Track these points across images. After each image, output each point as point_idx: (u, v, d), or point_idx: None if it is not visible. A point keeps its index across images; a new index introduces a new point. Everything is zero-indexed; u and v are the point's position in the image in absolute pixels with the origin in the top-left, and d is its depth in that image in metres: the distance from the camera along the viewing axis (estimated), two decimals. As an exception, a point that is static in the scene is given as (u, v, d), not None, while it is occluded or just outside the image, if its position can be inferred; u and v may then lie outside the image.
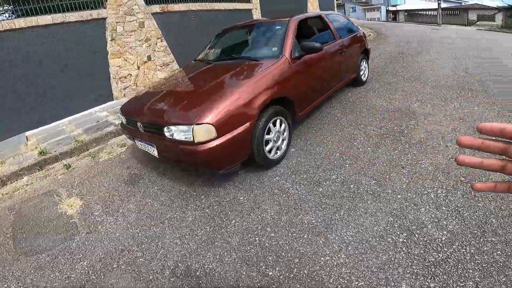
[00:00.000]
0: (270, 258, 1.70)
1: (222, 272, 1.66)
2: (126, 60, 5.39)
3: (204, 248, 1.85)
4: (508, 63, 5.43)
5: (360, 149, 2.67)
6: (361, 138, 2.88)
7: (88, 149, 3.74)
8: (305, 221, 1.92)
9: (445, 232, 1.66)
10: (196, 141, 2.04)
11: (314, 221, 1.91)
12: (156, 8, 6.01)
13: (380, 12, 32.17)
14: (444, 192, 2.00)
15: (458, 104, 3.44)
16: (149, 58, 5.75)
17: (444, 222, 1.74)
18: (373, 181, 2.21)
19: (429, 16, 26.70)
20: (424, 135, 2.77)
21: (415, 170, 2.27)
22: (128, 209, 2.40)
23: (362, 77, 4.56)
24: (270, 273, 1.60)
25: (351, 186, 2.20)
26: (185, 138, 2.08)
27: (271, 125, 2.48)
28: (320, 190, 2.22)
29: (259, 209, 2.11)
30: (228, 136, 2.13)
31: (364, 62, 4.61)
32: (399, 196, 2.02)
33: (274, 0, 9.26)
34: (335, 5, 13.97)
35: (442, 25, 22.79)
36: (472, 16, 25.10)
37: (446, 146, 2.54)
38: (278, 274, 1.58)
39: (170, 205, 2.36)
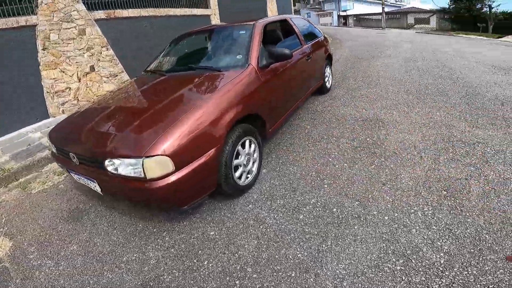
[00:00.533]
0: None
1: None
2: (64, 72, 4.68)
3: None
4: (452, 66, 5.84)
5: (337, 166, 2.50)
6: (336, 153, 2.71)
7: (17, 179, 3.11)
8: (290, 256, 1.67)
9: (442, 254, 1.53)
10: (148, 178, 1.64)
11: (300, 255, 1.67)
12: (101, 14, 5.40)
13: (332, 17, 34.12)
14: (430, 209, 1.89)
15: (420, 109, 3.51)
16: (92, 68, 5.09)
17: (439, 243, 1.61)
18: (356, 203, 2.04)
19: (374, 20, 28.90)
20: (397, 145, 2.71)
21: (397, 186, 2.16)
22: (72, 251, 1.98)
23: (327, 84, 4.48)
24: None
25: (334, 210, 2.00)
26: (134, 173, 1.66)
27: (239, 147, 2.14)
28: (300, 217, 1.98)
29: (235, 246, 1.80)
30: (189, 167, 1.73)
31: (328, 68, 4.54)
32: (386, 218, 1.86)
33: (233, 5, 9.03)
34: (292, 11, 14.24)
35: (386, 28, 24.64)
36: (410, 19, 27.51)
37: (421, 157, 2.48)
38: None
39: (126, 245, 1.96)
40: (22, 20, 4.28)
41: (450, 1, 23.10)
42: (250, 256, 1.71)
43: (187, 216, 2.14)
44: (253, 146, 2.34)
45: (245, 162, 2.23)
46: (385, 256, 1.57)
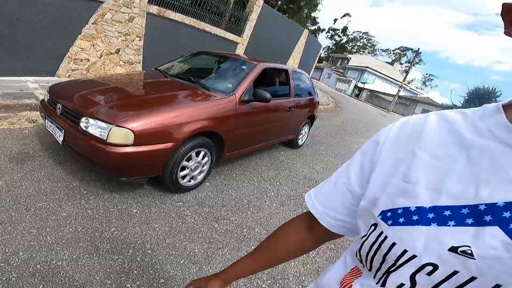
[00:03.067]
0: (135, 272, 1.75)
1: (71, 272, 1.61)
2: (94, 46, 5.23)
3: (62, 246, 1.77)
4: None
5: (267, 203, 2.88)
6: (272, 194, 3.09)
7: (-9, 113, 3.36)
8: (188, 249, 2.02)
9: None
10: (108, 142, 2.06)
11: (196, 250, 2.02)
12: (154, 9, 5.96)
13: (349, 85, 34.50)
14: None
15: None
16: (117, 51, 5.65)
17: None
18: (264, 231, 2.41)
19: (384, 101, 29.34)
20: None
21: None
22: (-5, 186, 2.12)
23: (299, 141, 4.80)
24: (128, 285, 1.64)
25: (244, 230, 2.37)
26: (100, 135, 2.08)
27: (193, 153, 2.57)
28: (215, 226, 2.34)
29: (147, 226, 2.15)
30: (144, 148, 2.16)
31: (307, 128, 4.89)
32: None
33: (262, 41, 9.56)
34: (314, 66, 15.34)
35: (391, 112, 25.01)
36: (418, 109, 27.54)
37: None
38: (135, 286, 1.64)
39: (48, 195, 2.18)
40: (95, -6, 4.75)
41: (464, 100, 23.35)
42: (155, 237, 2.05)
43: (122, 191, 2.48)
44: (206, 158, 2.75)
45: (192, 167, 2.63)
46: (260, 275, 1.95)
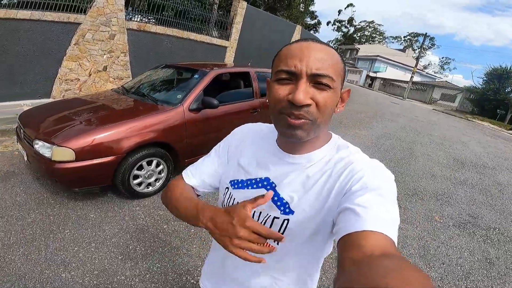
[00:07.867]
0: (73, 264, 2.05)
1: (19, 264, 1.98)
2: (81, 65, 5.66)
3: (19, 245, 2.14)
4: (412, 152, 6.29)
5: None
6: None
7: (-12, 139, 3.76)
8: (130, 247, 2.29)
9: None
10: (53, 159, 2.38)
11: (137, 248, 2.29)
12: (134, 24, 6.31)
13: (361, 76, 33.89)
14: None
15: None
16: (105, 68, 6.04)
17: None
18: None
19: (399, 88, 28.35)
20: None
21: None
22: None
23: None
24: (63, 275, 1.96)
25: (192, 230, 2.55)
26: (46, 154, 2.41)
27: (144, 163, 2.80)
28: (164, 227, 2.57)
29: (99, 228, 2.46)
30: (87, 162, 2.44)
31: None
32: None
33: (252, 45, 9.70)
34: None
35: (407, 99, 24.32)
36: (436, 94, 26.41)
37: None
38: (70, 276, 1.96)
39: (22, 205, 2.58)
40: (72, 17, 5.22)
41: (483, 81, 22.86)
42: (103, 237, 2.34)
43: (86, 200, 2.80)
44: (161, 167, 2.98)
45: (146, 175, 2.87)
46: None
